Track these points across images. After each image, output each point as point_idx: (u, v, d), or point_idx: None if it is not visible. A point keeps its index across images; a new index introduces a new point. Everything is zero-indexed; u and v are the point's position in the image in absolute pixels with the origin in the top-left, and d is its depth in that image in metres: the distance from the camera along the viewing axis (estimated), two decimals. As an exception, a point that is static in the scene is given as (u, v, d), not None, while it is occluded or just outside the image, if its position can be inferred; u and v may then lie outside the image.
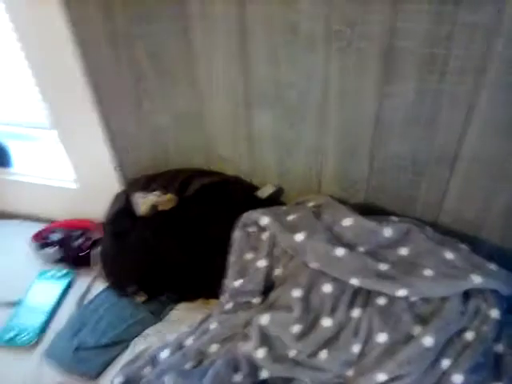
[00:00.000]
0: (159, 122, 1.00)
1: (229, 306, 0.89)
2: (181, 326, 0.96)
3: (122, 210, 1.03)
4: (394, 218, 0.88)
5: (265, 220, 0.86)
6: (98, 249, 1.07)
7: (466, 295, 0.76)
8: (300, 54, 0.80)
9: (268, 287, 0.86)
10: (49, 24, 0.90)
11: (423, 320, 0.75)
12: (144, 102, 0.98)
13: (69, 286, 1.09)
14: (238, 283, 0.85)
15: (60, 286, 1.08)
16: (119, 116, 1.03)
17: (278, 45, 0.80)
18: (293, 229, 0.84)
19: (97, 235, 1.15)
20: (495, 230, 0.91)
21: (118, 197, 1.11)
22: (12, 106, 1.29)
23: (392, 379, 0.71)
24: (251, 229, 0.89)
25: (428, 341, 0.71)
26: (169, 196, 0.98)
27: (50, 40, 0.93)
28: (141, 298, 1.01)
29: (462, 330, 0.73)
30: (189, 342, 0.88)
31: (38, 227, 1.21)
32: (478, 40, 0.69)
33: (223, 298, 0.87)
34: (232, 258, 0.90)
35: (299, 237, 0.82)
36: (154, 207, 0.97)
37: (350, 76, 0.80)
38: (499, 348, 0.75)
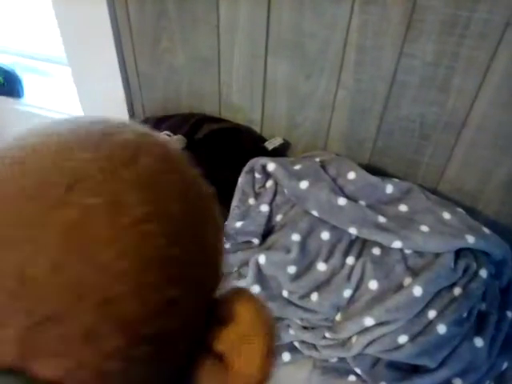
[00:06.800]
0: (175, 63, 1.01)
1: (228, 246, 0.92)
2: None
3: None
4: (397, 180, 0.90)
5: (271, 166, 0.88)
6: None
7: (458, 255, 0.79)
8: (326, 3, 0.80)
9: (268, 231, 0.88)
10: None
11: (415, 272, 0.78)
12: (162, 39, 0.98)
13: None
14: (239, 224, 0.87)
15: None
16: (136, 53, 1.03)
17: (304, -9, 0.81)
18: (298, 176, 0.86)
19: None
20: (492, 202, 0.93)
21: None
22: (29, 38, 1.29)
23: (379, 324, 0.75)
24: (257, 175, 0.91)
25: (417, 290, 0.74)
26: (178, 137, 0.99)
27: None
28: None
29: (451, 286, 0.77)
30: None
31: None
32: (502, 5, 0.71)
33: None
34: (235, 202, 0.91)
35: (303, 184, 0.84)
36: (162, 146, 0.98)
37: (372, 31, 0.81)
38: (483, 307, 0.78)
